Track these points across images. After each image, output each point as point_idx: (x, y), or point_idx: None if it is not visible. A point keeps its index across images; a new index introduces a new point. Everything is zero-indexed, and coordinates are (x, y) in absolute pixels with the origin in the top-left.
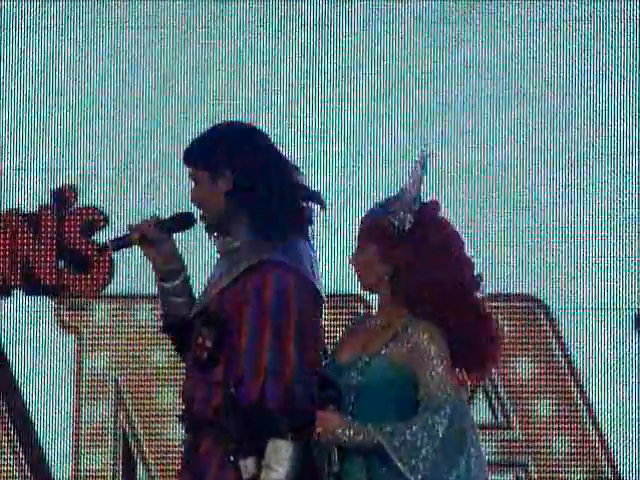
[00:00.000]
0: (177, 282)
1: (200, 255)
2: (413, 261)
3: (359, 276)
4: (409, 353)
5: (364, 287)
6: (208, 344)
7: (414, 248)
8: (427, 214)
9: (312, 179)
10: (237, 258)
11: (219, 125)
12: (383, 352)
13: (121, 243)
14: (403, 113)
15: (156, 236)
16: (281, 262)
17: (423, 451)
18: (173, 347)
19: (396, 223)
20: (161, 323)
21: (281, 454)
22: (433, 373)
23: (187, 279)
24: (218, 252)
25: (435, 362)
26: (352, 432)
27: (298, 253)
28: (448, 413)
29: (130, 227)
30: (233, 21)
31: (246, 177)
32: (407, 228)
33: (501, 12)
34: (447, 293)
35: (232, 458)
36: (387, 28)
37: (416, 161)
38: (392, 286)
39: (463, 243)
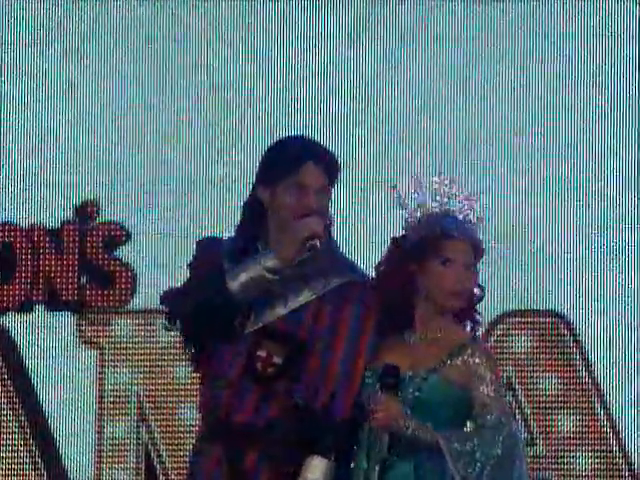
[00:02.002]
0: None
1: None
2: None
3: (469, 292)
4: (466, 373)
5: (464, 302)
6: (276, 360)
7: None
8: None
9: None
10: (309, 276)
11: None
12: (438, 369)
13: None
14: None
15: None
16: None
17: (479, 465)
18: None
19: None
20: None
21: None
22: (490, 393)
23: None
24: (270, 272)
25: (492, 386)
26: (414, 425)
27: None
28: (508, 431)
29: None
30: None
31: None
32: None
33: (499, 11)
34: None
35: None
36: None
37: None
38: None
39: None
